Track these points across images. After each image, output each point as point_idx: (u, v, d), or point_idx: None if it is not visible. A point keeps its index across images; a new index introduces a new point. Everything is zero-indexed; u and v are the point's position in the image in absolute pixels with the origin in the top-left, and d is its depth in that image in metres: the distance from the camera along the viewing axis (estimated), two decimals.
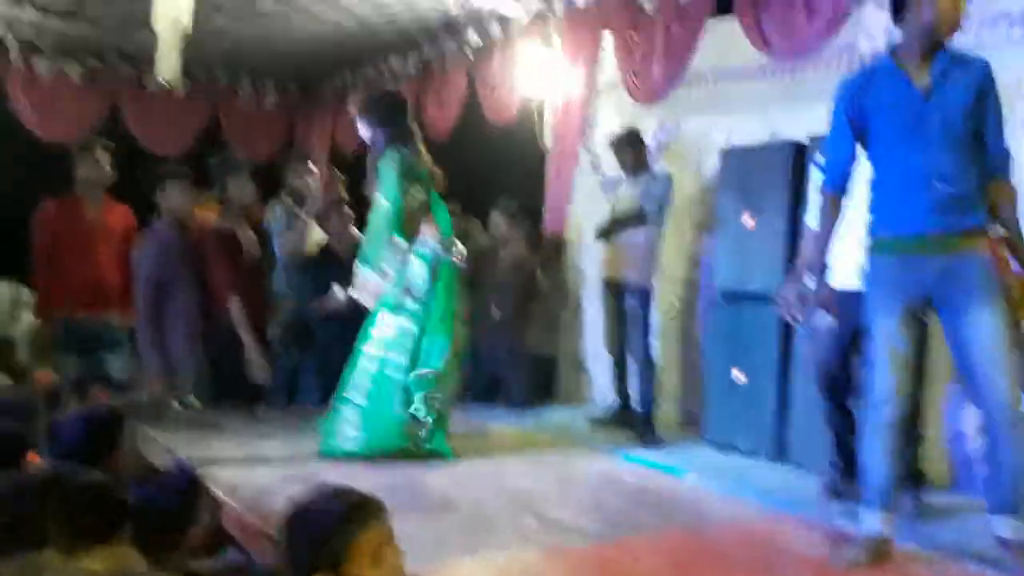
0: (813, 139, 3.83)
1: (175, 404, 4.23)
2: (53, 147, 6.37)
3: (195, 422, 3.95)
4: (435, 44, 6.57)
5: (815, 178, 3.21)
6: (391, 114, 3.64)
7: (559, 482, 3.35)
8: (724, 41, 4.68)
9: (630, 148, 4.53)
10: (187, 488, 2.50)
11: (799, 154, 3.91)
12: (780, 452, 3.87)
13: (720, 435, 4.12)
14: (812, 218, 3.42)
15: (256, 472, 3.12)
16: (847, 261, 3.20)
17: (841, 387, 3.32)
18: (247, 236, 4.34)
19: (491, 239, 5.30)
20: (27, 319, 7.16)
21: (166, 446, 3.44)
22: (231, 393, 4.37)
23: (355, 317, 4.52)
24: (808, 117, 4.16)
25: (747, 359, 4.01)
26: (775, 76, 4.46)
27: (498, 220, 5.11)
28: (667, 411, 4.81)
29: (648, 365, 4.34)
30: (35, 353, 6.91)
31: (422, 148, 3.69)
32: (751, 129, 4.47)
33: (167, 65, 4.44)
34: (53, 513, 1.85)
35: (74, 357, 4.31)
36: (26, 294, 7.12)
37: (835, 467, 3.35)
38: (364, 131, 3.65)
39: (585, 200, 5.55)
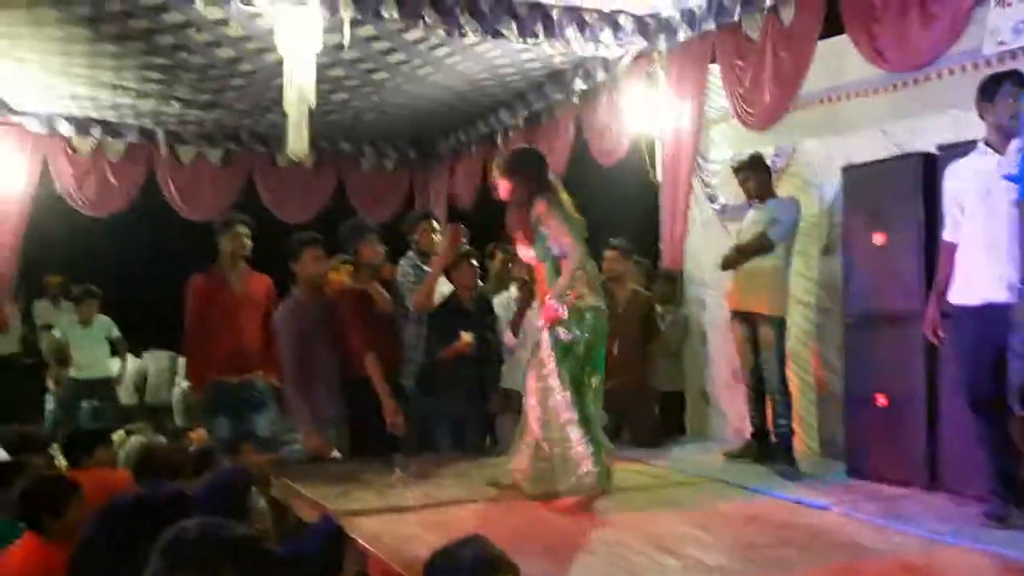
0: (943, 148, 3.66)
1: (337, 455, 4.41)
2: (199, 226, 6.89)
3: (337, 474, 4.08)
4: (541, 94, 6.72)
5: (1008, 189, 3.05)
6: (537, 168, 3.71)
7: (697, 521, 3.24)
8: (836, 58, 4.56)
9: (754, 173, 4.43)
10: (333, 539, 2.57)
11: (929, 165, 3.73)
12: (933, 479, 3.63)
13: (865, 464, 3.90)
14: (949, 232, 3.27)
15: (397, 521, 3.18)
16: (990, 274, 3.06)
17: (992, 404, 3.10)
18: (380, 294, 4.52)
19: (605, 277, 5.29)
20: (181, 385, 7.72)
21: (312, 499, 3.56)
22: (369, 445, 4.52)
23: (480, 362, 4.65)
24: (934, 127, 4.00)
25: (889, 382, 3.80)
26: (895, 89, 4.30)
27: (610, 257, 5.12)
28: (806, 441, 4.60)
29: (785, 394, 4.18)
30: (188, 416, 7.42)
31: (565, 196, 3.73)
32: (871, 146, 4.30)
33: (296, 140, 4.75)
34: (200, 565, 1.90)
35: (224, 418, 4.57)
36: (179, 363, 7.68)
37: (996, 493, 3.11)
38: (507, 189, 3.70)
39: (701, 231, 5.48)
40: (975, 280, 3.13)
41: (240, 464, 3.87)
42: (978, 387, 3.14)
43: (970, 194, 3.18)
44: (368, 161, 8.54)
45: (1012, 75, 3.15)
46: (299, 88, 4.61)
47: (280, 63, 4.71)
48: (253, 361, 4.66)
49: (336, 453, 4.44)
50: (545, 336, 3.54)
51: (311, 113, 4.69)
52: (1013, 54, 3.71)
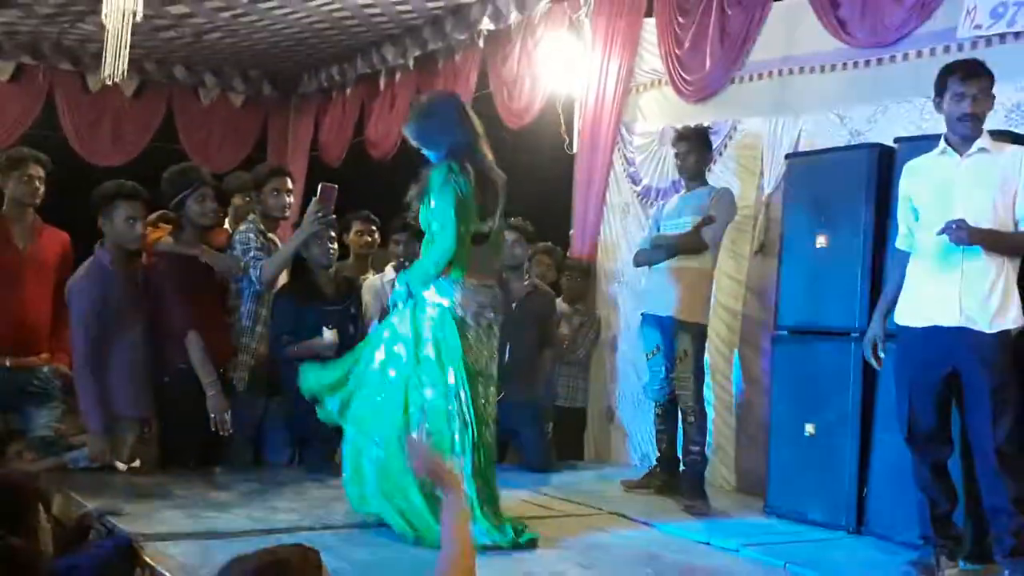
0: (901, 141, 3.95)
1: (120, 466, 4.33)
2: None
3: (139, 488, 4.04)
4: (438, 31, 6.79)
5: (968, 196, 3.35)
6: (447, 120, 3.70)
7: (582, 559, 3.38)
8: (790, 25, 4.84)
9: (697, 148, 4.61)
10: (119, 559, 2.57)
11: (884, 159, 4.02)
12: (860, 522, 3.91)
13: (786, 501, 4.16)
14: (902, 239, 3.54)
15: (214, 550, 3.18)
16: (939, 294, 3.34)
17: (930, 438, 3.40)
18: (213, 256, 4.48)
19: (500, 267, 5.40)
20: None
21: (99, 514, 3.50)
22: (182, 452, 4.49)
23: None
24: (896, 115, 4.32)
25: (820, 408, 4.07)
26: (855, 68, 4.58)
27: (508, 243, 5.23)
28: (721, 472, 4.86)
29: (702, 416, 4.42)
30: None
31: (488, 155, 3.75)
32: (825, 130, 4.60)
33: (114, 59, 4.64)
34: None
35: None
36: None
37: (927, 539, 3.40)
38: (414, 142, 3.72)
39: (620, 217, 5.69)
40: (923, 299, 3.40)
41: (11, 469, 3.77)
42: (916, 419, 3.42)
43: (926, 199, 3.45)
44: (208, 94, 8.39)
45: (960, 66, 3.40)
46: None
47: None
48: (37, 339, 4.53)
49: (121, 464, 4.37)
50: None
51: (136, 26, 4.59)
52: (988, 40, 4.03)
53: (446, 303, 3.55)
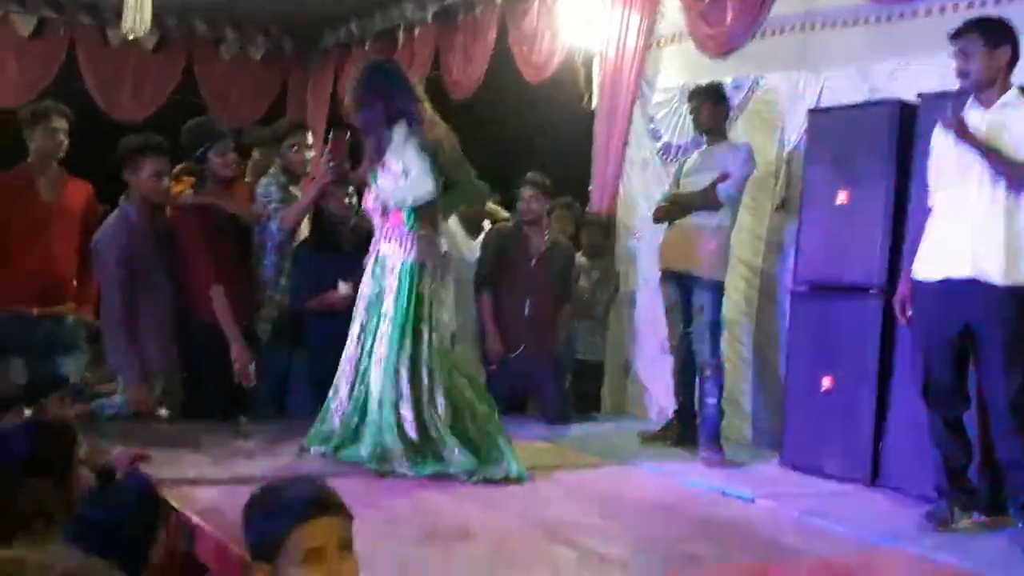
0: (925, 97, 3.93)
1: (162, 413, 4.42)
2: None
3: (166, 436, 4.11)
4: None
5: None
6: (395, 86, 3.87)
7: (603, 509, 3.44)
8: None
9: (708, 102, 4.61)
10: (142, 502, 2.63)
11: (905, 115, 4.01)
12: (876, 475, 3.96)
13: (802, 455, 4.21)
14: (932, 197, 3.54)
15: (237, 494, 3.24)
16: (956, 247, 3.35)
17: (946, 394, 3.43)
18: (240, 204, 4.52)
19: (518, 221, 5.43)
20: None
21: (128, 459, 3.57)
22: (208, 402, 4.55)
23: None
24: (916, 71, 4.28)
25: (838, 364, 4.11)
26: (878, 23, 4.55)
27: (527, 196, 5.25)
28: (738, 426, 4.90)
29: (718, 371, 4.45)
30: None
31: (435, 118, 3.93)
32: (846, 86, 4.57)
33: (135, 13, 4.64)
34: None
35: (22, 360, 4.51)
36: None
37: (941, 492, 3.44)
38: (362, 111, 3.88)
39: (639, 173, 5.69)
40: (937, 252, 3.42)
41: (49, 416, 3.85)
42: (932, 375, 3.44)
43: (950, 157, 3.44)
44: (229, 48, 8.35)
45: (956, 30, 3.41)
46: None
47: None
48: (63, 290, 4.60)
49: (164, 411, 4.46)
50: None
51: None
52: None
53: (412, 257, 3.79)
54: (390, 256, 3.86)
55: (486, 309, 5.27)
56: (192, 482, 3.38)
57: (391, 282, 3.83)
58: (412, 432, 3.71)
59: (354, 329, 3.94)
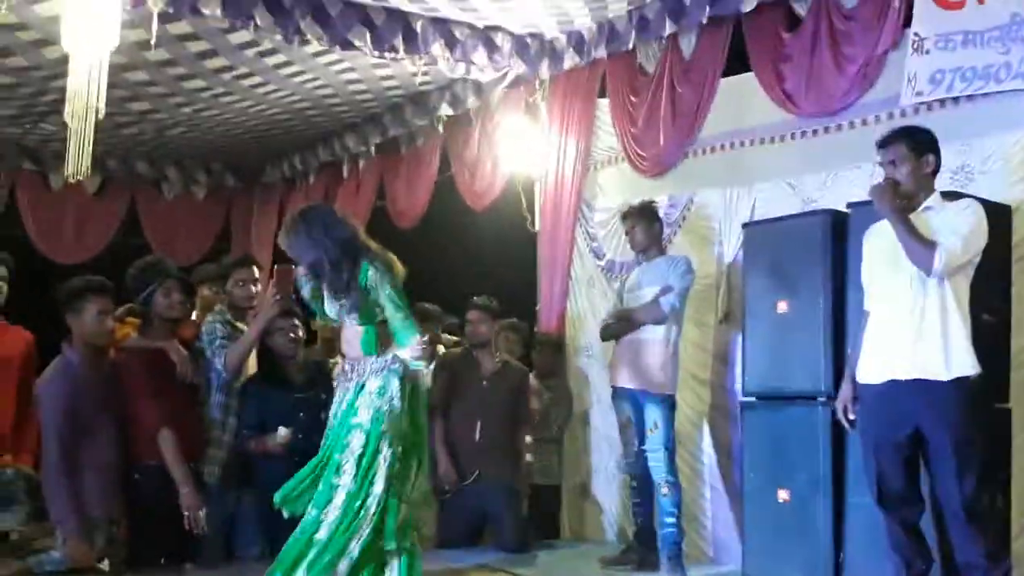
0: (854, 206, 4.06)
1: (102, 567, 4.25)
2: None
3: None
4: (399, 118, 6.93)
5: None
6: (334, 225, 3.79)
7: None
8: (741, 100, 5.01)
9: (641, 221, 4.73)
10: None
11: (837, 224, 4.13)
12: None
13: (763, 569, 4.17)
14: (867, 301, 3.62)
15: None
16: (896, 348, 3.41)
17: (902, 501, 3.43)
18: (180, 354, 4.46)
19: (467, 345, 5.44)
20: None
21: None
22: (154, 550, 4.40)
23: (307, 452, 4.65)
24: (844, 181, 4.46)
25: (792, 474, 4.11)
26: (803, 137, 4.76)
27: (474, 319, 5.28)
28: (698, 543, 4.86)
29: (675, 488, 4.43)
30: None
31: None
32: (778, 199, 4.73)
33: (78, 158, 4.67)
34: None
35: None
36: None
37: None
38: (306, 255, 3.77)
39: (586, 291, 5.77)
40: (879, 353, 3.48)
41: None
42: (884, 480, 3.46)
43: (880, 260, 3.55)
44: (172, 188, 8.44)
45: (878, 140, 3.56)
46: (86, 93, 4.56)
47: (64, 60, 4.67)
48: (2, 442, 4.47)
49: (104, 563, 4.30)
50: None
51: (98, 125, 4.64)
52: (929, 105, 4.22)
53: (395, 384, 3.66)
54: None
55: (438, 436, 5.22)
56: None
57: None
58: None
59: None
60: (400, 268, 3.83)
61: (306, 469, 3.70)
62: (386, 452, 3.54)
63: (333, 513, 3.54)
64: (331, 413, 3.76)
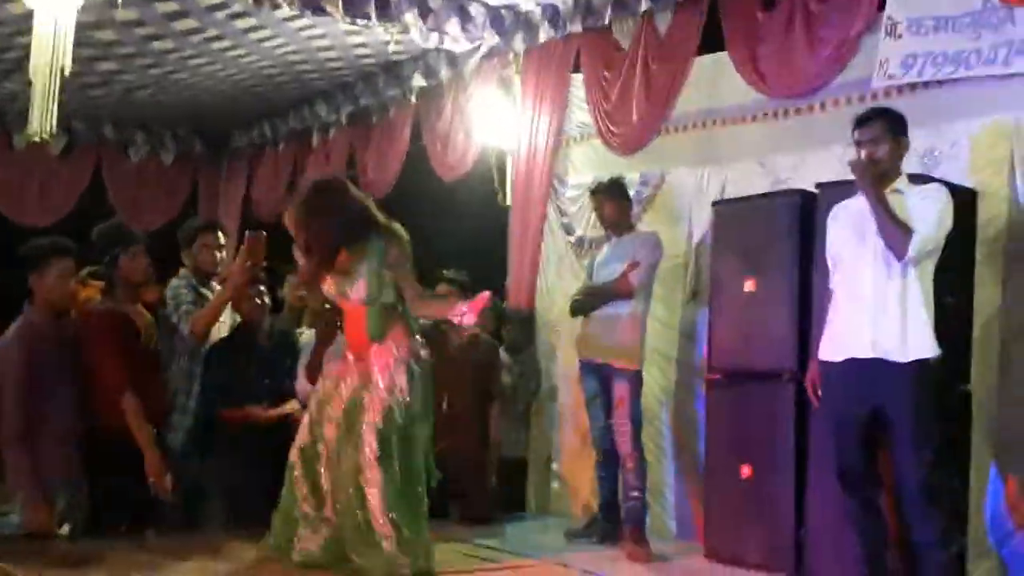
0: (823, 186, 4.09)
1: (61, 532, 4.21)
2: None
3: (68, 554, 3.93)
4: (371, 87, 6.87)
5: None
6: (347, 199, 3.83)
7: None
8: (714, 79, 5.01)
9: (613, 200, 4.75)
10: None
11: (807, 204, 4.16)
12: (799, 564, 3.98)
13: (725, 545, 4.22)
14: (832, 279, 3.65)
15: None
16: (855, 329, 3.45)
17: (861, 478, 3.48)
18: (143, 318, 4.41)
19: (435, 319, 5.41)
20: None
21: None
22: (115, 515, 4.37)
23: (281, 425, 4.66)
24: (818, 162, 4.48)
25: (755, 451, 4.16)
26: (775, 118, 4.78)
27: (443, 293, 5.27)
28: (661, 517, 4.91)
29: (640, 463, 4.47)
30: None
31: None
32: (749, 179, 4.75)
33: (40, 118, 4.59)
34: None
35: None
36: None
37: None
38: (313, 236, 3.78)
39: (554, 266, 5.78)
40: (839, 332, 3.53)
41: None
42: (844, 457, 3.51)
43: (845, 239, 3.59)
44: (138, 151, 8.33)
45: (858, 116, 3.59)
46: (51, 50, 4.48)
47: (28, 16, 4.57)
48: None
49: (65, 528, 4.26)
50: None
51: (63, 84, 4.55)
52: (900, 89, 4.24)
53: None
54: None
55: None
56: None
57: None
58: None
59: None
60: (407, 240, 3.82)
61: None
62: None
63: None
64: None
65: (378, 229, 3.76)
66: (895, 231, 3.37)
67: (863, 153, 3.50)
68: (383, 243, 3.72)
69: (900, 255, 3.36)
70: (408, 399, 3.70)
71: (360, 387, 3.71)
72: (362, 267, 3.72)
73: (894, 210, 3.39)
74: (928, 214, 3.39)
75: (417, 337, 3.85)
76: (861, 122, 3.55)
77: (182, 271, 4.77)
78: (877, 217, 3.40)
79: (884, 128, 3.50)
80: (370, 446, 3.60)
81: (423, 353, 3.82)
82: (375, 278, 3.71)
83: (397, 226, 3.81)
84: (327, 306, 4.62)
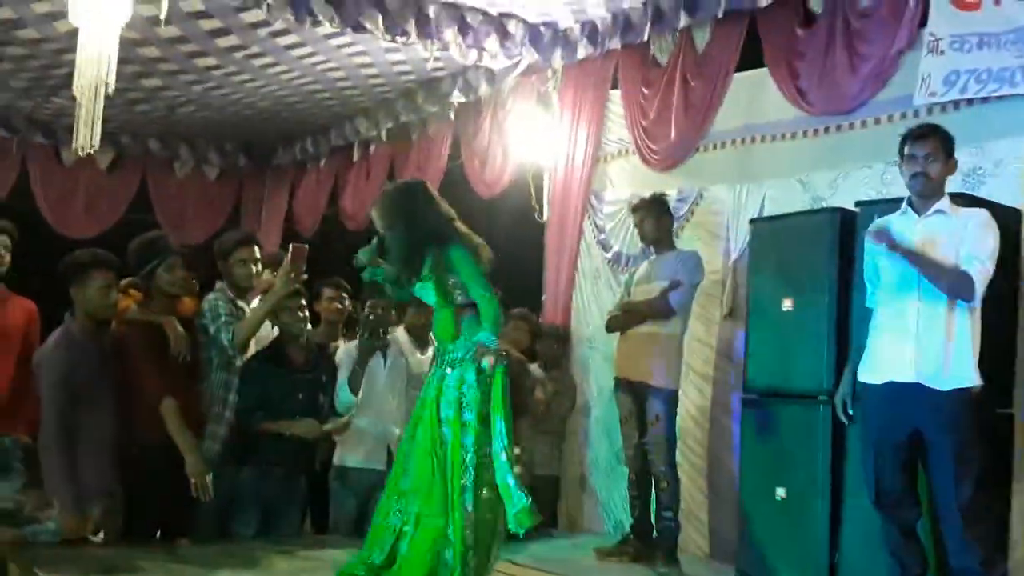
0: (862, 204, 4.03)
1: (94, 539, 4.25)
2: None
3: (102, 562, 3.96)
4: (410, 104, 6.90)
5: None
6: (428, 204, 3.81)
7: None
8: (753, 96, 4.98)
9: (652, 214, 4.68)
10: None
11: (846, 223, 4.10)
12: None
13: (758, 567, 4.15)
14: (870, 298, 3.59)
15: None
16: (899, 357, 3.38)
17: (900, 502, 3.41)
18: (176, 331, 4.45)
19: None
20: None
21: None
22: (147, 524, 4.41)
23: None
24: (858, 180, 4.43)
25: (791, 472, 4.09)
26: (814, 135, 4.72)
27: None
28: (695, 538, 4.84)
29: (673, 483, 4.41)
30: None
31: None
32: (788, 196, 4.70)
33: (86, 132, 4.67)
34: None
35: None
36: None
37: None
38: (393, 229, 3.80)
39: (590, 282, 5.75)
40: (880, 355, 3.45)
41: None
42: (882, 481, 3.44)
43: (884, 258, 3.51)
44: (183, 166, 8.45)
45: (913, 130, 3.52)
46: (96, 67, 4.55)
47: (74, 34, 4.66)
48: (0, 411, 4.47)
49: (100, 536, 4.30)
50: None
51: (109, 99, 4.63)
52: (943, 107, 4.18)
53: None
54: None
55: None
56: None
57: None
58: None
59: None
60: (487, 254, 3.83)
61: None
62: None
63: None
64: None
65: (456, 236, 3.74)
66: (954, 280, 3.31)
67: (916, 165, 3.42)
68: (457, 248, 3.71)
69: (969, 299, 3.32)
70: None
71: None
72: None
73: (938, 262, 3.33)
74: (985, 248, 3.34)
75: None
76: (917, 137, 3.46)
77: (218, 284, 4.80)
78: (927, 274, 3.34)
79: (938, 145, 3.44)
80: None
81: None
82: (445, 282, 3.72)
83: (476, 238, 3.81)
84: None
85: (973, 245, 3.33)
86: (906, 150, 3.46)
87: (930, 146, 3.43)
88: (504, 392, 3.72)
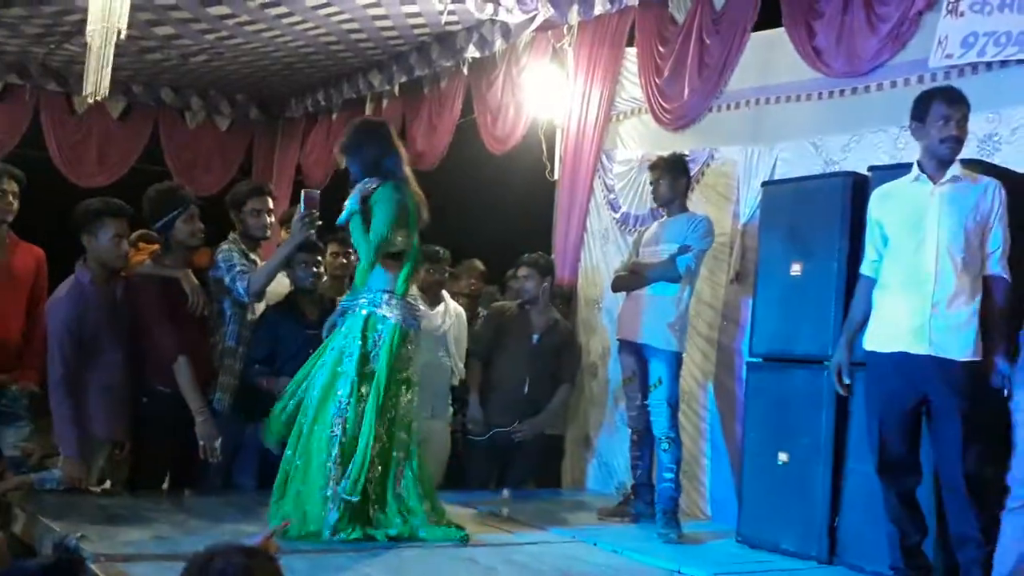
0: (875, 169, 3.97)
1: (94, 489, 4.29)
2: None
3: (107, 509, 3.98)
4: (424, 58, 6.84)
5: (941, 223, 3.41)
6: (376, 143, 3.97)
7: None
8: (769, 56, 4.89)
9: (669, 175, 4.62)
10: (64, 567, 2.53)
11: (858, 187, 4.04)
12: (833, 551, 3.90)
13: (758, 530, 4.16)
14: (867, 265, 3.56)
15: (174, 572, 3.14)
16: (911, 322, 3.35)
17: (900, 468, 3.40)
18: (192, 282, 4.44)
19: (520, 302, 5.39)
20: None
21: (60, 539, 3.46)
22: (154, 474, 4.46)
23: None
24: (872, 144, 4.36)
25: (793, 437, 4.08)
26: (828, 97, 4.64)
27: (522, 276, 5.29)
28: (696, 500, 4.86)
29: (675, 444, 4.42)
30: None
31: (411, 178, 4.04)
32: (800, 159, 4.64)
33: (96, 79, 4.64)
34: None
35: None
36: None
37: (897, 570, 3.40)
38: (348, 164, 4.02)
39: (600, 243, 5.72)
40: (893, 326, 3.41)
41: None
42: (886, 447, 3.43)
43: (899, 224, 3.47)
44: (195, 116, 8.42)
45: (944, 91, 3.46)
46: (108, 11, 4.51)
47: None
48: (7, 356, 4.50)
49: (106, 484, 4.34)
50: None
51: (121, 47, 4.59)
52: (960, 70, 4.09)
53: (389, 315, 3.85)
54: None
55: (473, 381, 5.29)
56: (127, 558, 3.27)
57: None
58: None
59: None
60: (423, 212, 3.88)
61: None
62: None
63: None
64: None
65: (395, 178, 3.91)
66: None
67: (952, 127, 3.35)
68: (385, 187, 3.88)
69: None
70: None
71: None
72: None
73: (955, 220, 3.34)
74: (1001, 219, 3.33)
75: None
76: (955, 98, 3.39)
77: (231, 235, 4.78)
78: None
79: (967, 111, 3.40)
80: None
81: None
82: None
83: (418, 193, 4.00)
84: None
85: (992, 216, 3.33)
86: (941, 110, 3.37)
87: (963, 111, 3.38)
88: (391, 358, 3.85)
